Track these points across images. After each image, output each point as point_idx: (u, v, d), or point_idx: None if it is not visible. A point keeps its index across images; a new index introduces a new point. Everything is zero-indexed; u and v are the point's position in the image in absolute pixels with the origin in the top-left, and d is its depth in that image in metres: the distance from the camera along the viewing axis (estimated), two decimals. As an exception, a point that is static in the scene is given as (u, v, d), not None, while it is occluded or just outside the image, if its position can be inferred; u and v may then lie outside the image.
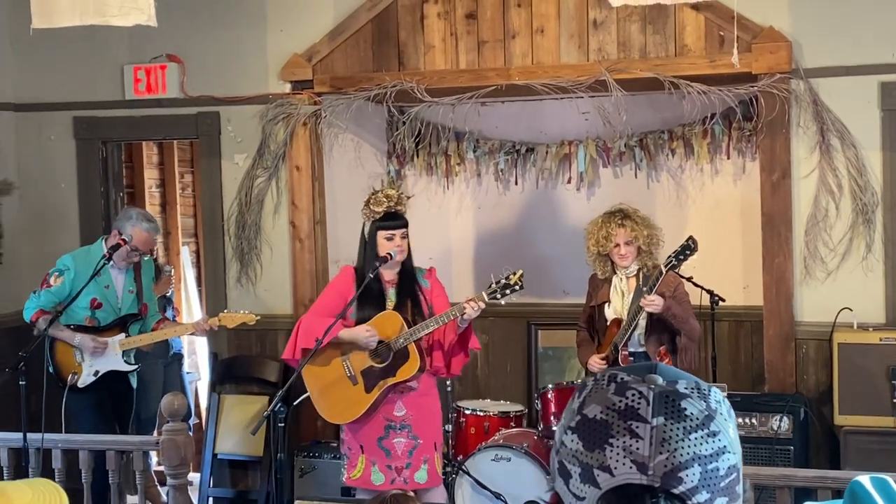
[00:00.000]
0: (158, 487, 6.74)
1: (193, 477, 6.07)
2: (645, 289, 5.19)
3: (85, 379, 5.65)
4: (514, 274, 4.81)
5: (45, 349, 5.61)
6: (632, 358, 5.32)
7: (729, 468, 1.17)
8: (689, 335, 5.30)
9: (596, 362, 5.40)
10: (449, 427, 5.95)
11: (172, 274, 6.86)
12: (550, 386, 5.80)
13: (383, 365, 4.93)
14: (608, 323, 5.42)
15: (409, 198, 5.16)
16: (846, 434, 5.32)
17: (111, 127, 6.70)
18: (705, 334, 5.89)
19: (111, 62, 6.61)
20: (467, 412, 5.98)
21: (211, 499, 6.42)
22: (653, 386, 1.18)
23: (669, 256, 5.18)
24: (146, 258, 5.86)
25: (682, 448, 1.14)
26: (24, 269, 6.72)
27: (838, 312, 5.53)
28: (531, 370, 6.95)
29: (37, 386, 5.28)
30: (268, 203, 6.45)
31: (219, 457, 6.38)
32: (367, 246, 5.00)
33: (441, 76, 6.10)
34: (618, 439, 1.15)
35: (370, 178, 6.76)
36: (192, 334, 5.97)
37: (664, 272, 5.15)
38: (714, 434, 1.16)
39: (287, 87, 6.35)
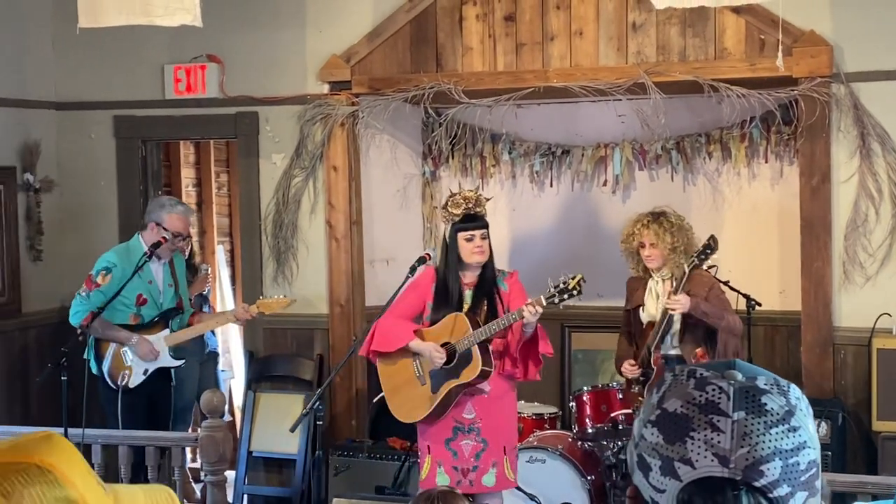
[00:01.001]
0: (193, 484, 6.79)
1: (228, 474, 6.10)
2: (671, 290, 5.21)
3: (135, 379, 5.67)
4: (573, 279, 4.78)
5: (89, 350, 5.60)
6: (664, 361, 5.31)
7: (809, 463, 1.18)
8: (728, 330, 5.28)
9: (627, 368, 5.41)
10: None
11: (209, 272, 6.90)
12: (585, 388, 5.81)
13: (449, 366, 4.94)
14: (644, 326, 5.42)
15: (487, 199, 5.14)
16: (884, 440, 5.30)
17: (151, 126, 6.77)
18: (741, 339, 5.86)
19: (151, 62, 6.67)
20: (502, 413, 5.99)
21: (246, 496, 6.46)
22: (733, 381, 1.19)
23: (692, 256, 5.20)
24: (176, 253, 5.89)
25: (764, 442, 1.15)
26: (64, 265, 6.79)
27: (877, 318, 5.51)
28: (564, 372, 6.95)
29: (78, 381, 5.34)
30: (305, 203, 6.49)
31: (254, 454, 6.42)
32: (448, 248, 5.00)
33: (479, 78, 6.12)
34: (699, 433, 1.16)
35: (405, 178, 6.79)
36: (231, 322, 6.01)
37: (686, 272, 5.17)
38: (794, 429, 1.17)
39: (325, 88, 6.39)
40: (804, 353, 5.76)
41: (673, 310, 5.19)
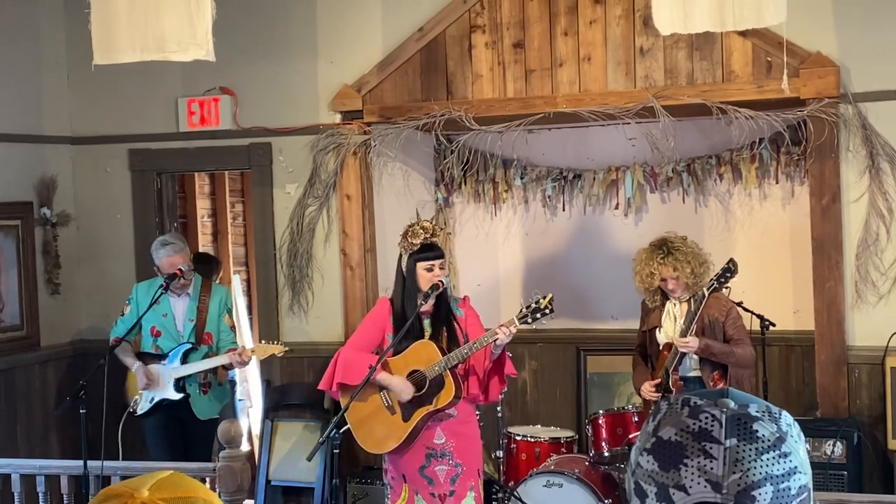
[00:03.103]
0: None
1: (247, 503, 6.13)
2: (683, 326, 5.23)
3: (143, 405, 5.83)
4: (544, 298, 4.87)
5: (104, 372, 5.69)
6: (682, 382, 5.33)
7: (800, 488, 1.21)
8: (738, 365, 5.29)
9: (647, 390, 5.42)
10: (500, 453, 5.98)
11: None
12: (601, 412, 5.82)
13: (420, 393, 4.98)
14: (661, 347, 5.43)
15: (442, 229, 5.23)
16: (900, 459, 5.29)
17: (166, 158, 6.84)
18: (755, 359, 5.87)
19: (165, 95, 6.75)
20: (518, 438, 6.01)
21: (264, 525, 6.48)
22: (725, 409, 1.23)
23: (711, 280, 5.22)
24: (221, 287, 6.01)
25: (755, 468, 1.19)
26: (81, 298, 6.86)
27: (890, 336, 5.51)
28: (580, 396, 6.97)
29: (96, 414, 5.40)
30: (319, 232, 6.54)
31: (272, 483, 6.44)
32: (406, 278, 5.07)
33: (489, 105, 6.18)
34: (692, 460, 1.20)
35: (419, 205, 6.84)
36: (226, 367, 6.03)
37: (706, 295, 5.19)
38: (785, 455, 1.21)
39: (337, 118, 6.46)
40: (818, 372, 5.76)
41: (684, 352, 5.23)
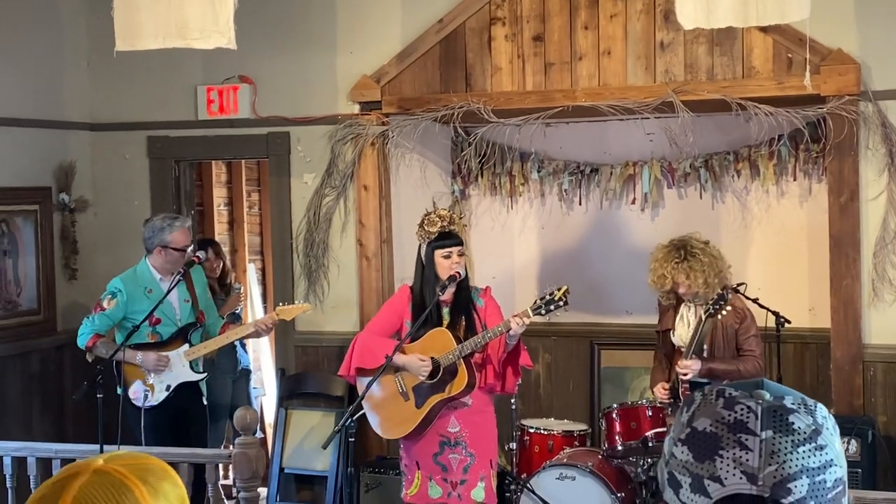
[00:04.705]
0: (225, 501, 6.85)
1: (261, 491, 6.16)
2: (691, 349, 5.20)
3: (158, 396, 5.67)
4: (559, 290, 4.87)
5: (115, 373, 5.57)
6: (688, 388, 5.30)
7: (835, 481, 1.22)
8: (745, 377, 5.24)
9: (660, 391, 5.42)
10: (513, 445, 5.99)
11: (242, 291, 6.97)
12: (615, 405, 5.81)
13: (433, 381, 5.00)
14: (674, 349, 5.42)
15: (460, 217, 5.24)
16: (915, 458, 5.29)
17: (184, 146, 6.86)
18: (770, 356, 5.86)
19: (185, 83, 6.77)
20: (531, 430, 6.02)
21: (278, 513, 6.51)
22: (761, 401, 1.23)
23: (707, 305, 5.18)
24: (195, 267, 5.88)
25: (791, 460, 1.19)
26: (99, 284, 6.85)
27: (907, 335, 5.51)
28: (593, 390, 6.97)
29: (113, 399, 5.42)
30: (336, 222, 6.55)
31: (286, 471, 6.47)
32: (425, 267, 5.08)
33: (507, 97, 6.18)
34: (727, 451, 1.21)
35: (435, 197, 6.85)
36: (253, 335, 5.95)
37: (703, 319, 5.16)
38: (821, 447, 1.21)
39: (356, 108, 6.46)
40: (834, 370, 5.76)
41: (684, 375, 5.20)
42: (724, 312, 5.20)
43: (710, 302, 5.19)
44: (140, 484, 1.37)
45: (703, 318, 5.17)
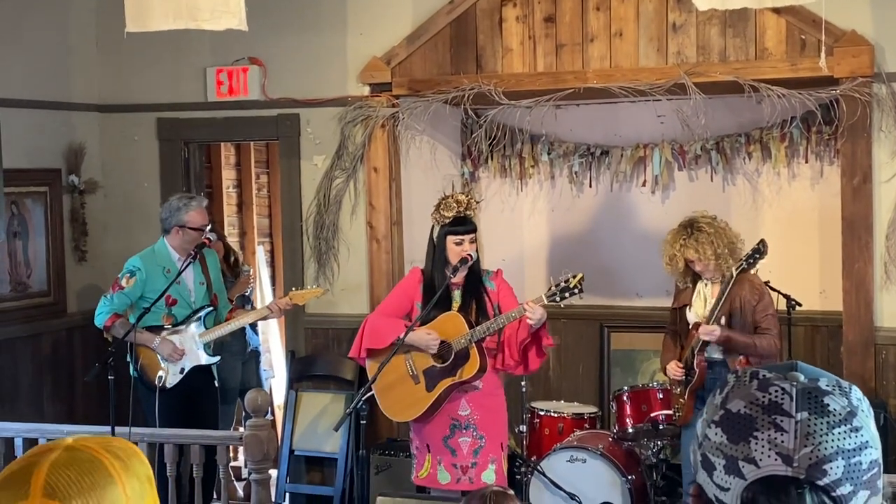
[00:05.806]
0: (235, 483, 6.87)
1: (271, 473, 6.17)
2: (707, 312, 5.18)
3: (172, 379, 5.66)
4: (574, 277, 4.86)
5: (128, 355, 5.59)
6: (707, 364, 5.29)
7: (871, 462, 1.21)
8: (760, 356, 5.21)
9: (673, 368, 5.39)
10: (523, 428, 6.00)
11: (251, 273, 6.97)
12: (626, 388, 5.82)
13: (444, 365, 5.00)
14: (690, 326, 5.41)
15: (478, 202, 5.23)
16: (926, 441, 5.28)
17: (193, 128, 6.85)
18: (781, 340, 5.84)
19: (194, 65, 6.75)
20: (542, 413, 6.02)
21: (288, 494, 6.53)
22: (795, 383, 1.22)
23: (740, 260, 5.16)
24: (208, 250, 5.89)
25: (827, 442, 1.18)
26: (108, 266, 6.88)
27: (919, 318, 5.49)
28: (604, 372, 6.97)
29: (125, 380, 5.42)
30: (346, 204, 6.54)
31: (296, 453, 6.48)
32: (436, 250, 5.07)
33: (518, 79, 6.15)
34: (762, 433, 1.20)
35: (445, 179, 6.83)
36: (266, 318, 6.04)
37: (734, 275, 5.14)
38: (857, 429, 1.20)
39: (366, 90, 6.44)
40: (845, 353, 5.75)
41: (706, 339, 5.18)
42: (757, 267, 5.17)
43: (744, 256, 5.15)
44: (112, 458, 1.39)
45: (734, 273, 5.13)
